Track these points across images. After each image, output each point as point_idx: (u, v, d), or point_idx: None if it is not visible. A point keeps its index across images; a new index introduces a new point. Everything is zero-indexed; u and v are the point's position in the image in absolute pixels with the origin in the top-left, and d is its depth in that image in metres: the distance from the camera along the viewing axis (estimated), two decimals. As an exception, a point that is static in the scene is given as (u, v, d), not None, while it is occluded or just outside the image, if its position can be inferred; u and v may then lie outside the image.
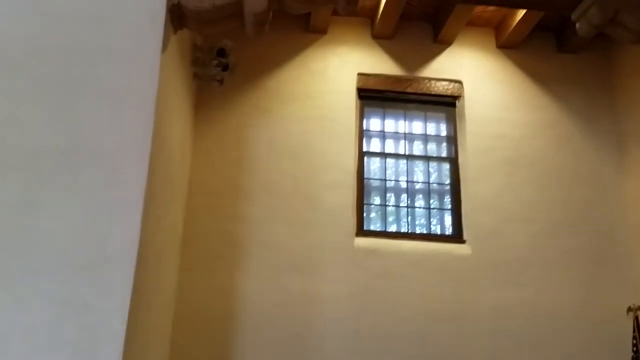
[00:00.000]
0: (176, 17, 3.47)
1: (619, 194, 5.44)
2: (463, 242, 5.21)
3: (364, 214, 5.34)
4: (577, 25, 4.17)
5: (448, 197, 5.50)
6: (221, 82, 4.85)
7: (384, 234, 5.28)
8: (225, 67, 4.73)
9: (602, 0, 3.97)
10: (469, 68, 5.70)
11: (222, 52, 4.66)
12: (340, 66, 5.59)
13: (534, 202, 5.34)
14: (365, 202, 5.41)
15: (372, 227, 5.37)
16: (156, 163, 3.19)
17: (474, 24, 5.72)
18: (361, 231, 5.22)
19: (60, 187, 2.81)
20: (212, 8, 3.42)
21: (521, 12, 5.21)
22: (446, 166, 5.60)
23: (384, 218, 5.44)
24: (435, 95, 5.67)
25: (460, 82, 5.66)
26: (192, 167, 5.07)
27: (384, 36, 5.64)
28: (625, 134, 5.53)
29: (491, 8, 5.39)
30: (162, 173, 3.55)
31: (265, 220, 5.03)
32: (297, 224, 5.06)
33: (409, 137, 5.70)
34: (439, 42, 5.69)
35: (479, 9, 5.33)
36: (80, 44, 3.06)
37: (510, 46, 5.72)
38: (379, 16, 5.39)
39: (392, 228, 5.41)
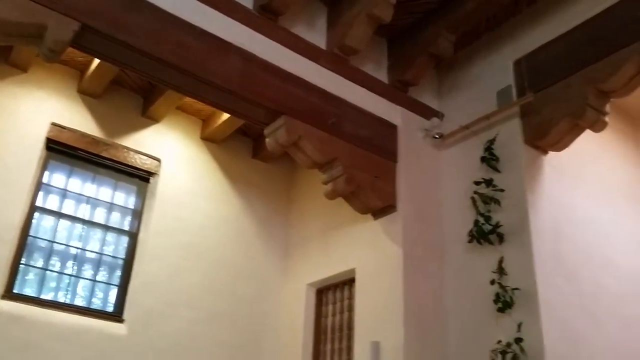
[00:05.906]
0: None
1: (277, 295, 5.99)
2: (121, 321, 5.01)
3: (18, 275, 4.76)
4: (267, 140, 4.70)
5: (119, 271, 5.31)
6: None
7: (35, 301, 4.73)
8: None
9: (289, 125, 4.56)
10: (171, 149, 5.82)
11: None
12: (33, 109, 5.08)
13: (201, 289, 5.49)
14: (24, 262, 4.83)
15: (25, 291, 4.79)
16: None
17: (185, 110, 5.96)
18: (10, 294, 4.60)
19: None
20: None
21: (227, 114, 5.60)
22: (125, 239, 5.45)
23: (42, 283, 4.92)
24: (131, 166, 5.58)
25: (159, 160, 5.71)
26: None
27: (91, 94, 5.41)
28: (290, 241, 6.26)
29: (202, 101, 5.72)
30: None
31: None
32: None
33: (93, 203, 5.41)
34: (147, 117, 5.72)
35: (191, 99, 5.60)
36: None
37: (212, 140, 6.08)
38: (89, 72, 5.16)
39: (50, 295, 4.91)
